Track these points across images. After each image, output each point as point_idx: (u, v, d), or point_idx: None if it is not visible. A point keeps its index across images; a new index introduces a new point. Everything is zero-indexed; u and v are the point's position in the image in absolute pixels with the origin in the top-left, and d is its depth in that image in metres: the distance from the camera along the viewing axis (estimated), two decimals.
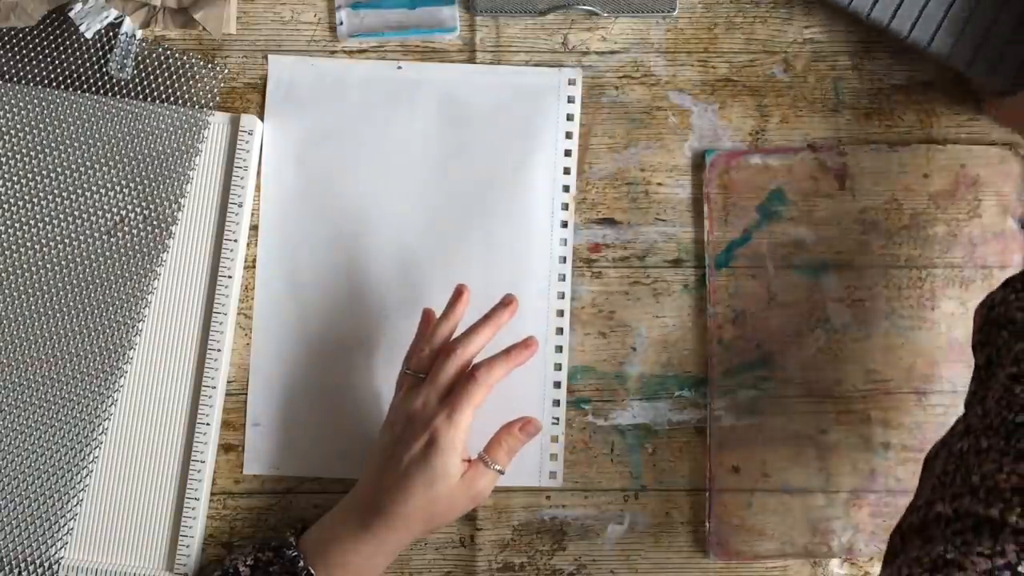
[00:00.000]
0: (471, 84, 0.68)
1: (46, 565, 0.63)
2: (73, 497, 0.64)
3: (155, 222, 0.66)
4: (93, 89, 0.67)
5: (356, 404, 0.66)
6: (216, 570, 0.61)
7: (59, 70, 0.67)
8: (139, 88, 0.67)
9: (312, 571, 0.58)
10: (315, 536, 0.60)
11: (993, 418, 0.47)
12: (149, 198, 0.66)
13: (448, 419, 0.58)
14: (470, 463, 0.59)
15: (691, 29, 0.69)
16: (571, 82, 0.68)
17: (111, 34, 0.67)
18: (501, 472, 0.60)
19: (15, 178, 0.65)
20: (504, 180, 0.67)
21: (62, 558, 0.63)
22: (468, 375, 0.60)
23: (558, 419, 0.66)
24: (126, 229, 0.66)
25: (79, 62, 0.67)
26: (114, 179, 0.66)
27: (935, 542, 0.45)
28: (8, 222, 0.65)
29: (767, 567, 0.66)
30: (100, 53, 0.67)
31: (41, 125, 0.66)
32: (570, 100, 0.68)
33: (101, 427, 0.64)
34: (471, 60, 0.69)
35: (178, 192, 0.66)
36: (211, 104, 0.67)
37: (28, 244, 0.65)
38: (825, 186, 0.68)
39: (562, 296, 0.67)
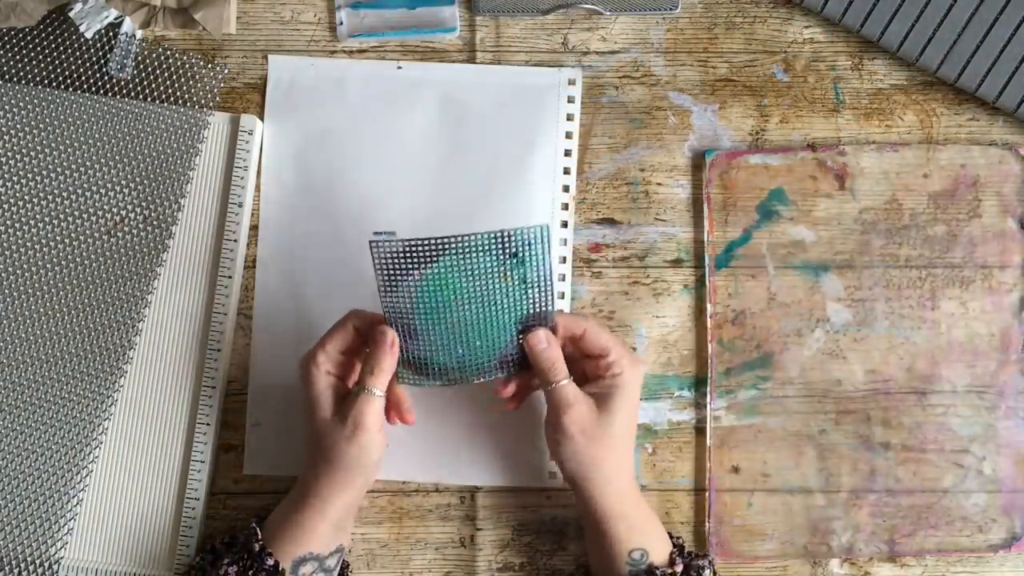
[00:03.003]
0: (471, 84, 0.68)
1: (46, 565, 0.63)
2: (73, 497, 0.64)
3: (155, 222, 0.66)
4: (93, 89, 0.67)
5: None
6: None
7: (59, 70, 0.67)
8: (139, 88, 0.67)
9: (259, 532, 0.59)
10: (274, 511, 0.61)
11: None
12: (149, 198, 0.66)
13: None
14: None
15: (691, 29, 0.69)
16: (571, 82, 0.68)
17: (111, 34, 0.67)
18: (373, 393, 0.57)
19: (15, 178, 0.65)
20: (504, 180, 0.67)
21: (62, 558, 0.63)
22: None
23: None
24: (126, 229, 0.66)
25: (79, 62, 0.67)
26: (114, 179, 0.66)
27: None
28: (8, 222, 0.65)
29: (767, 567, 0.66)
30: (100, 53, 0.67)
31: (41, 125, 0.66)
32: (570, 100, 0.68)
33: (101, 427, 0.64)
34: (471, 60, 0.69)
35: (178, 192, 0.66)
36: (211, 104, 0.67)
37: (28, 244, 0.65)
38: (825, 186, 0.68)
39: (562, 296, 0.67)
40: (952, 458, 0.66)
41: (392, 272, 0.56)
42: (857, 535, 0.66)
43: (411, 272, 0.55)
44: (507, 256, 0.55)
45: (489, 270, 0.55)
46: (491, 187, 0.67)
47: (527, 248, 0.55)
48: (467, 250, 0.55)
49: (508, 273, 0.56)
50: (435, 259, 0.55)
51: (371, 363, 0.57)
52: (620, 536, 0.59)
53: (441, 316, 0.57)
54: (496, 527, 0.66)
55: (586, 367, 0.61)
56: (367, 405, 0.57)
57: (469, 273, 0.55)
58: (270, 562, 0.57)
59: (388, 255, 0.55)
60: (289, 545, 0.58)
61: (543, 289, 0.56)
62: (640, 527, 0.59)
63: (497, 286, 0.56)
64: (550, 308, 0.58)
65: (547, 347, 0.58)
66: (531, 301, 0.57)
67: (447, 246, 0.55)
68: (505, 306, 0.57)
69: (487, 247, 0.55)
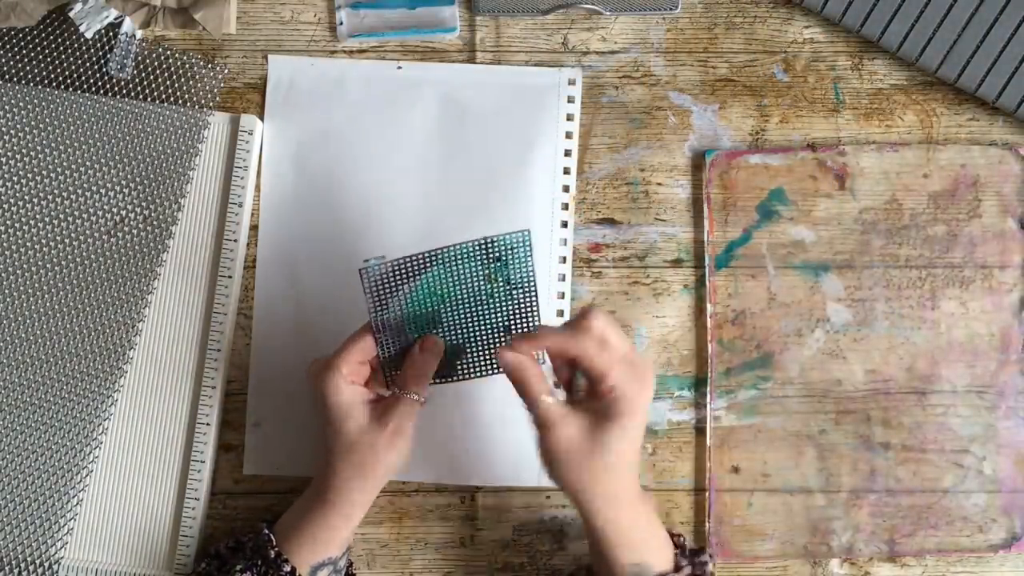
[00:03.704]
0: (471, 84, 0.68)
1: (46, 565, 0.63)
2: (73, 497, 0.64)
3: (155, 222, 0.66)
4: (93, 89, 0.67)
5: None
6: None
7: (59, 70, 0.67)
8: (139, 88, 0.67)
9: (272, 537, 0.58)
10: (285, 516, 0.60)
11: None
12: (149, 198, 0.66)
13: (321, 361, 0.58)
14: (381, 399, 0.59)
15: (691, 29, 0.69)
16: (571, 82, 0.68)
17: (111, 34, 0.67)
18: (416, 399, 0.57)
19: (15, 178, 0.65)
20: (504, 180, 0.67)
21: (62, 558, 0.63)
22: None
23: None
24: (126, 229, 0.66)
25: (79, 62, 0.67)
26: (114, 179, 0.66)
27: None
28: (8, 222, 0.65)
29: (767, 567, 0.66)
30: (100, 53, 0.67)
31: (41, 125, 0.66)
32: (570, 100, 0.68)
33: (101, 427, 0.64)
34: (471, 60, 0.69)
35: (178, 192, 0.66)
36: (211, 104, 0.67)
37: (28, 244, 0.65)
38: (825, 186, 0.68)
39: (562, 296, 0.67)
40: (952, 458, 0.66)
41: (381, 292, 0.57)
42: (857, 535, 0.66)
43: (400, 288, 0.57)
44: (491, 260, 0.57)
45: (474, 275, 0.57)
46: (491, 187, 0.67)
47: (510, 252, 0.56)
48: (453, 259, 0.56)
49: (493, 276, 0.57)
50: (423, 271, 0.57)
51: (418, 369, 0.58)
52: (616, 551, 0.56)
53: (430, 323, 0.58)
54: (496, 527, 0.66)
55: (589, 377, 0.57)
56: (410, 409, 0.57)
57: (456, 280, 0.57)
58: (287, 568, 0.57)
59: (377, 277, 0.57)
60: (307, 551, 0.58)
61: (527, 290, 0.58)
62: (639, 542, 0.57)
63: (483, 289, 0.57)
64: (535, 309, 0.58)
65: (517, 366, 0.55)
66: (516, 302, 0.58)
67: (434, 258, 0.56)
68: (491, 308, 0.58)
69: (472, 254, 0.56)
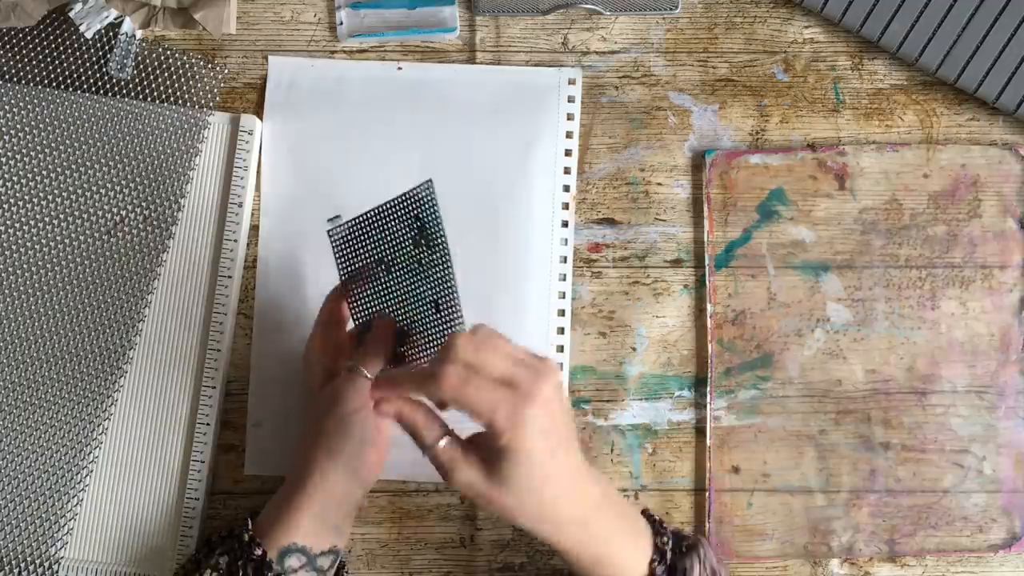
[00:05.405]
0: (471, 84, 0.68)
1: (46, 565, 0.63)
2: (73, 497, 0.64)
3: (155, 222, 0.66)
4: (93, 89, 0.67)
5: None
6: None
7: (59, 70, 0.67)
8: (139, 88, 0.67)
9: (251, 531, 0.58)
10: (265, 508, 0.60)
11: None
12: (149, 198, 0.66)
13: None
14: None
15: (691, 29, 0.69)
16: (571, 82, 0.68)
17: (111, 34, 0.67)
18: (357, 372, 0.56)
19: (15, 178, 0.65)
20: (504, 180, 0.67)
21: (62, 558, 0.63)
22: None
23: None
24: (126, 229, 0.66)
25: (79, 62, 0.67)
26: (114, 179, 0.66)
27: None
28: (8, 222, 0.65)
29: (767, 567, 0.66)
30: (100, 53, 0.67)
31: (41, 125, 0.66)
32: (570, 100, 0.68)
33: (101, 427, 0.64)
34: (471, 60, 0.69)
35: (178, 192, 0.66)
36: (211, 104, 0.67)
37: (28, 244, 0.65)
38: (825, 186, 0.68)
39: (562, 296, 0.67)
40: (952, 458, 0.66)
41: (348, 256, 0.59)
42: (857, 535, 0.66)
43: (360, 253, 0.59)
44: (412, 221, 0.55)
45: (403, 241, 0.56)
46: (491, 187, 0.67)
47: (422, 208, 0.55)
48: (383, 220, 0.57)
49: (416, 241, 0.56)
50: (369, 235, 0.58)
51: (368, 348, 0.57)
52: (578, 572, 0.53)
53: (386, 299, 0.58)
54: (496, 527, 0.66)
55: None
56: (348, 382, 0.56)
57: (390, 246, 0.57)
58: (258, 552, 0.57)
59: (341, 239, 0.59)
60: (275, 534, 0.57)
61: (441, 254, 0.54)
62: (599, 559, 0.53)
63: (412, 258, 0.56)
64: (451, 279, 0.54)
65: (399, 415, 0.52)
66: (435, 269, 0.55)
67: (370, 219, 0.57)
68: (421, 279, 0.56)
69: (394, 214, 0.56)
